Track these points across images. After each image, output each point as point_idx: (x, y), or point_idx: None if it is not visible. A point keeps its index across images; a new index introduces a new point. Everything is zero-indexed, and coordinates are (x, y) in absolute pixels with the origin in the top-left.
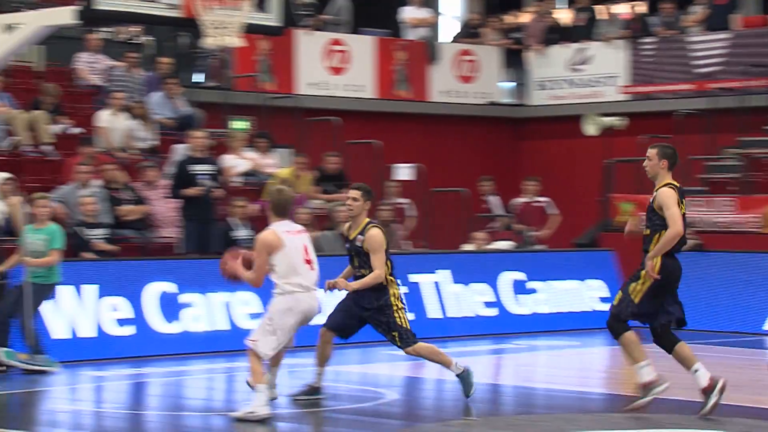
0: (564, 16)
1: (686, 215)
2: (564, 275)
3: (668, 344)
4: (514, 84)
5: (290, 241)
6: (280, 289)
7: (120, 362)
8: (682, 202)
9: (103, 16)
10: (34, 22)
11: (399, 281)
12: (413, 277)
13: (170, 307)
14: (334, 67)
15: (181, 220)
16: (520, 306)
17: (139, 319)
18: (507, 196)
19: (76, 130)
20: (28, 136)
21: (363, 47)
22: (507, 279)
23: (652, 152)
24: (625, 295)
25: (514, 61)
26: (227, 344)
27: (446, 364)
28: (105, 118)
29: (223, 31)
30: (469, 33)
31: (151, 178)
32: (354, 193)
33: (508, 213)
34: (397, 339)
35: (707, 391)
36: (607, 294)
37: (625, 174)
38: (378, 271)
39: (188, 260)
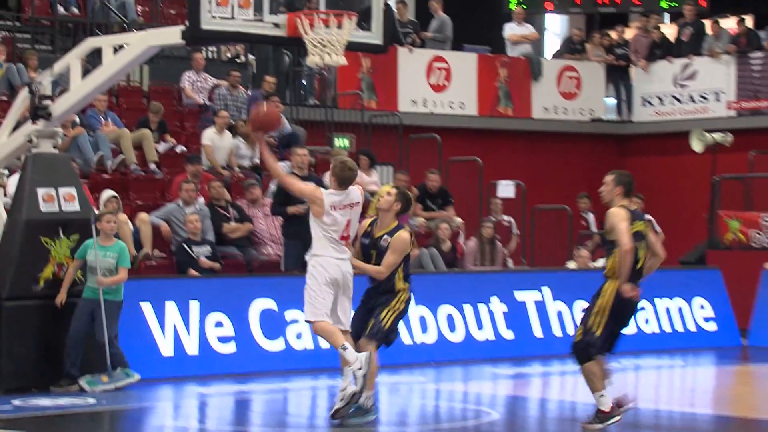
0: (669, 31)
1: (643, 237)
2: (669, 293)
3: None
4: (618, 100)
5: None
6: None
7: (223, 379)
8: (640, 225)
9: (209, 36)
10: (141, 42)
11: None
12: (517, 295)
13: (273, 324)
14: (436, 85)
15: (284, 237)
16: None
17: (241, 336)
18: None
19: (181, 149)
20: (135, 155)
21: (465, 64)
22: None
23: (608, 179)
24: (586, 328)
25: (617, 77)
26: (329, 362)
27: (370, 381)
28: (209, 136)
29: (326, 49)
30: (572, 49)
31: (255, 196)
32: (391, 190)
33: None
34: (368, 326)
35: (604, 415)
36: (712, 314)
37: (732, 191)
38: (382, 269)
39: (290, 277)
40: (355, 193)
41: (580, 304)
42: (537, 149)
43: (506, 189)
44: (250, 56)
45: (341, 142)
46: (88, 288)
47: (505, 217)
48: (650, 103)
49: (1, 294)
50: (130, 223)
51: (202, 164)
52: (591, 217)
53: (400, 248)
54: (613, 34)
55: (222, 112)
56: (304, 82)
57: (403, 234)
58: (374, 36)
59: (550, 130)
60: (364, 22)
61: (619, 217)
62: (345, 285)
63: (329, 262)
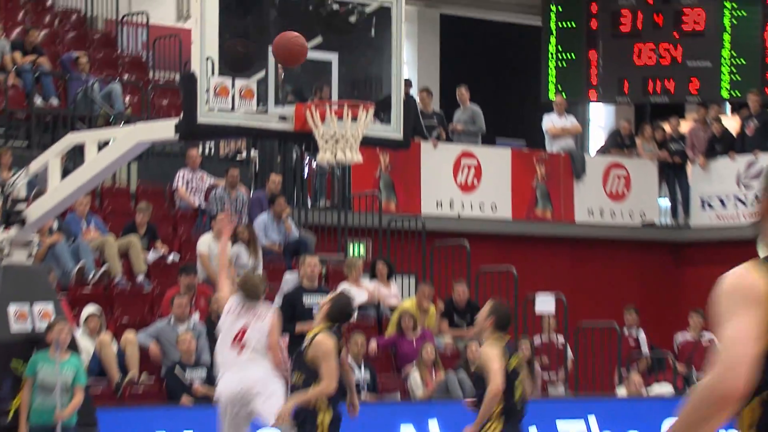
0: (731, 123)
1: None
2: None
3: None
4: (673, 202)
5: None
6: None
7: None
8: (515, 361)
9: (206, 131)
10: (129, 137)
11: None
12: (560, 426)
13: None
14: (465, 184)
15: (291, 359)
16: None
17: None
18: (666, 331)
19: (174, 258)
20: (120, 265)
21: (497, 161)
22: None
23: (485, 306)
24: None
25: (672, 175)
26: None
27: None
28: (206, 243)
29: (339, 145)
30: (619, 143)
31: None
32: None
33: (667, 351)
34: None
35: None
36: None
37: None
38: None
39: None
40: (265, 310)
41: None
42: (580, 258)
43: (545, 303)
44: (253, 152)
45: (356, 249)
46: (38, 412)
47: (559, 338)
48: (710, 206)
49: None
50: (114, 343)
51: (197, 275)
52: (642, 335)
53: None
54: (667, 127)
55: (220, 216)
56: (314, 181)
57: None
58: (394, 129)
59: (595, 236)
60: (382, 114)
61: (492, 359)
62: (243, 400)
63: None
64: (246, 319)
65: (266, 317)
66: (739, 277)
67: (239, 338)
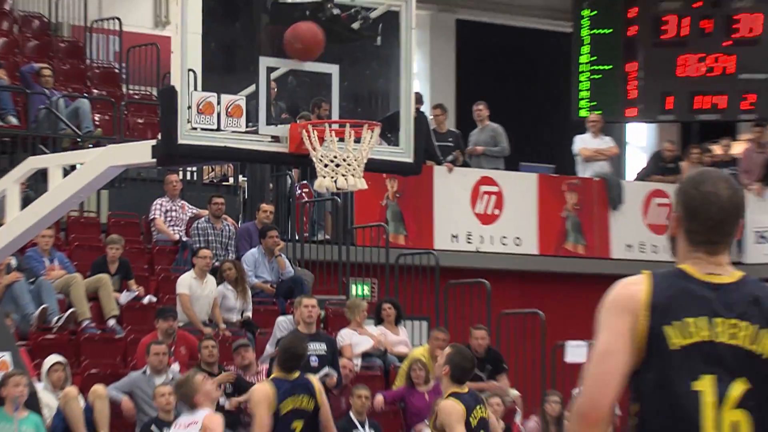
0: None
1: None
2: None
3: None
4: None
5: None
6: None
7: None
8: (481, 411)
9: (187, 153)
10: (99, 161)
11: None
12: None
13: None
14: (484, 214)
15: None
16: None
17: None
18: None
19: (150, 299)
20: (89, 308)
21: (522, 188)
22: None
23: (444, 352)
24: None
25: None
26: None
27: None
28: (187, 283)
29: (340, 169)
30: (662, 168)
31: (247, 361)
32: None
33: None
34: None
35: None
36: None
37: None
38: None
39: None
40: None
41: None
42: None
43: (577, 352)
44: (241, 178)
45: (360, 289)
46: None
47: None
48: (766, 239)
49: None
50: (81, 397)
51: (176, 319)
52: None
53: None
54: (717, 149)
55: (203, 251)
56: (311, 211)
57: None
58: (403, 152)
59: (635, 274)
60: (389, 134)
61: (452, 415)
62: None
63: None
64: None
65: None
66: (621, 287)
67: None
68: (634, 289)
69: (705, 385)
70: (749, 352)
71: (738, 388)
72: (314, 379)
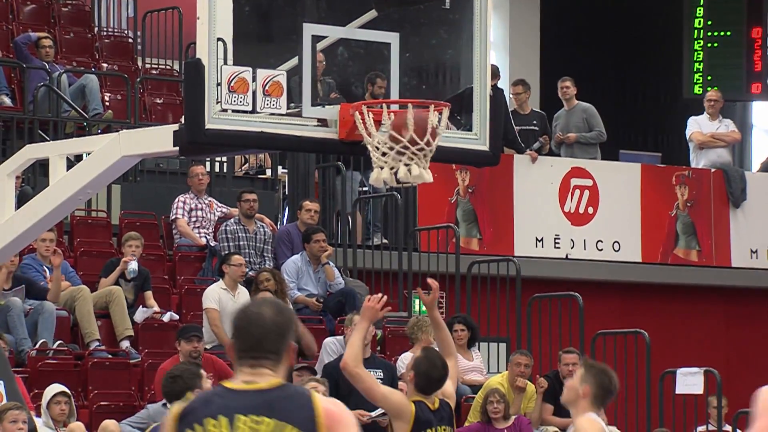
0: None
1: None
2: None
3: None
4: None
5: None
6: None
7: None
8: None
9: (216, 141)
10: (110, 150)
11: None
12: None
13: None
14: (576, 213)
15: None
16: None
17: None
18: None
19: (171, 317)
20: (97, 327)
21: (622, 181)
22: None
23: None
24: None
25: None
26: None
27: None
28: (215, 296)
29: (402, 159)
30: None
31: None
32: None
33: None
34: None
35: None
36: None
37: None
38: None
39: None
40: None
41: None
42: (739, 315)
43: (689, 381)
44: (281, 170)
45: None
46: None
47: (727, 428)
48: None
49: None
50: None
51: (202, 341)
52: None
53: None
54: None
55: (236, 258)
56: (365, 210)
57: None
58: (477, 138)
59: (760, 287)
60: (459, 116)
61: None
62: None
63: None
64: None
65: None
66: None
67: None
68: None
69: None
70: None
71: None
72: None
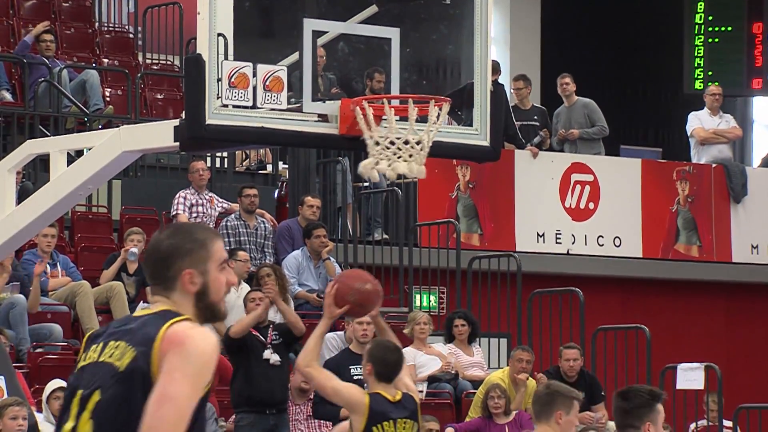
0: None
1: None
2: None
3: None
4: None
5: None
6: None
7: None
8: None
9: (218, 136)
10: (111, 145)
11: None
12: None
13: None
14: (576, 209)
15: None
16: None
17: None
18: None
19: None
20: (99, 322)
21: (622, 176)
22: None
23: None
24: None
25: None
26: None
27: None
28: None
29: (401, 154)
30: None
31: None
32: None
33: None
34: None
35: None
36: None
37: None
38: None
39: None
40: None
41: None
42: (739, 310)
43: (690, 376)
44: (282, 165)
45: (425, 299)
46: None
47: (727, 423)
48: None
49: None
50: None
51: None
52: None
53: None
54: None
55: (241, 253)
56: (366, 206)
57: None
58: (477, 133)
59: (761, 281)
60: (460, 112)
61: None
62: None
63: None
64: None
65: None
66: None
67: None
68: None
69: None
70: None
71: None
72: None
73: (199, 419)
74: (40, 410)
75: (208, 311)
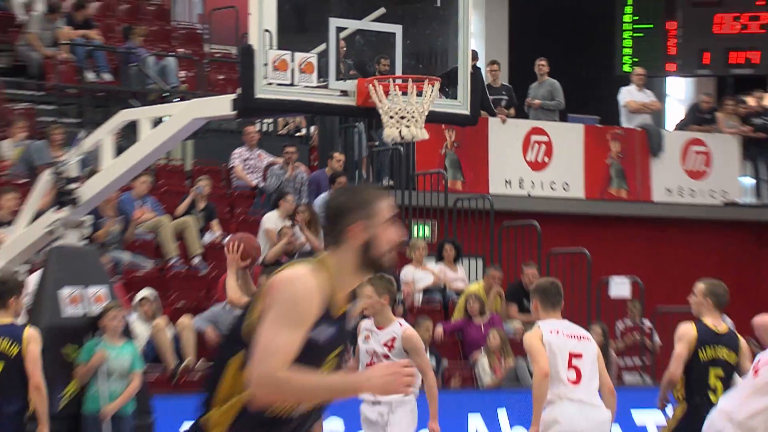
0: None
1: None
2: None
3: None
4: (757, 180)
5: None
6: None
7: None
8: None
9: (264, 106)
10: (184, 114)
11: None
12: (636, 416)
13: None
14: (535, 162)
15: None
16: None
17: None
18: (748, 314)
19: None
20: (176, 246)
21: (569, 137)
22: None
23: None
24: None
25: (756, 152)
26: None
27: None
28: (272, 219)
29: (404, 121)
30: (699, 119)
31: None
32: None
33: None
34: None
35: None
36: None
37: None
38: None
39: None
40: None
41: None
42: (658, 239)
43: (620, 287)
44: (313, 129)
45: (421, 230)
46: (94, 399)
47: (647, 323)
48: None
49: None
50: (169, 328)
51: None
52: (727, 320)
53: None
54: (750, 101)
55: (289, 197)
56: (376, 160)
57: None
58: (461, 104)
59: (674, 216)
60: (448, 88)
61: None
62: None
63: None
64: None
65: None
66: None
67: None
68: None
69: None
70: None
71: None
72: None
73: (310, 353)
74: (132, 312)
75: (371, 264)
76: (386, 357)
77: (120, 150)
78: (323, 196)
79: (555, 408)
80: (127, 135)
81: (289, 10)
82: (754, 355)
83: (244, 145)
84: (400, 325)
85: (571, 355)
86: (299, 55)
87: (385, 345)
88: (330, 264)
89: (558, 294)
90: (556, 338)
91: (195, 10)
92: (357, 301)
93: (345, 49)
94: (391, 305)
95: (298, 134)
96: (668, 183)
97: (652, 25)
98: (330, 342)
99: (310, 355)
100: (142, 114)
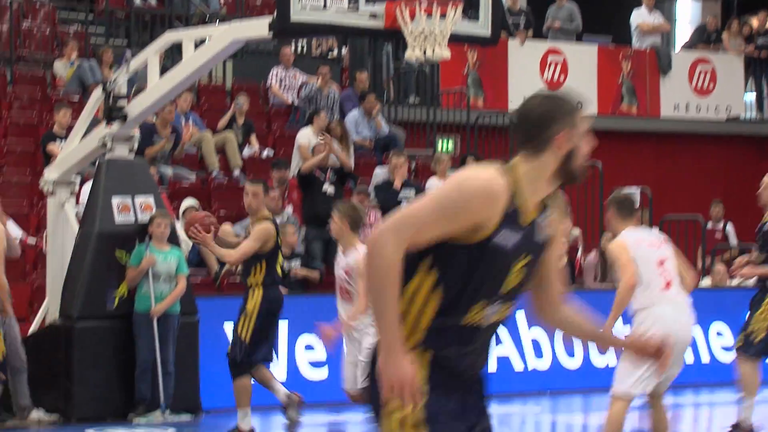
0: None
1: None
2: None
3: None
4: (759, 97)
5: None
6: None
7: (315, 408)
8: None
9: (299, 29)
10: (225, 36)
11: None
12: None
13: None
14: (551, 80)
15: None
16: None
17: (335, 361)
18: (750, 224)
19: (268, 153)
20: (217, 159)
21: (583, 57)
22: None
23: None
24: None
25: (759, 70)
26: None
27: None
28: (307, 137)
29: (428, 42)
30: (705, 39)
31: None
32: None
33: (750, 243)
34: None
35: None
36: None
37: None
38: (232, 252)
39: None
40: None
41: (717, 327)
42: (665, 152)
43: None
44: (344, 50)
45: (445, 144)
46: (144, 299)
47: (654, 229)
48: None
49: (72, 314)
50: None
51: (288, 170)
52: (730, 227)
53: (256, 236)
54: (754, 22)
55: (322, 114)
56: (403, 78)
57: (266, 224)
58: (482, 26)
59: (681, 131)
60: (470, 11)
61: None
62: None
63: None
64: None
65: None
66: None
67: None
68: None
69: None
70: None
71: None
72: None
73: (494, 259)
74: (178, 219)
75: (568, 173)
76: (348, 283)
77: (165, 69)
78: (532, 104)
79: (653, 311)
80: (172, 55)
81: None
82: None
83: (280, 64)
84: (358, 250)
85: (660, 261)
86: None
87: (345, 272)
88: (521, 170)
89: (632, 205)
90: (641, 249)
91: None
92: (549, 212)
93: None
94: (356, 231)
95: (330, 55)
96: (676, 100)
97: None
98: (516, 249)
99: (495, 261)
100: (185, 36)
